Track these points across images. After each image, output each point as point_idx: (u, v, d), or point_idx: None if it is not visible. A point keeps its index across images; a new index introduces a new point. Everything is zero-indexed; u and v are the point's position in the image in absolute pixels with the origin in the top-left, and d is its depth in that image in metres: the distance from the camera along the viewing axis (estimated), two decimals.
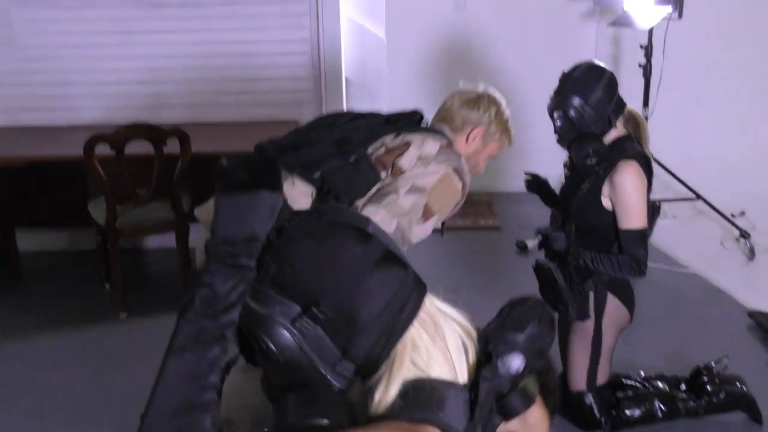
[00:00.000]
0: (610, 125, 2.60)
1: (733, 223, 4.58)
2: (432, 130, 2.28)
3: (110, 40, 4.38)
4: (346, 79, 4.56)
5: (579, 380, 2.73)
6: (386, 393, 1.07)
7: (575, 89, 2.56)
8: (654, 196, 4.65)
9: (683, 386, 2.87)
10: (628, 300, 2.74)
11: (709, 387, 2.81)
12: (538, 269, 2.74)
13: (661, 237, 4.63)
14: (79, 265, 4.42)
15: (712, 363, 2.88)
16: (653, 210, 2.74)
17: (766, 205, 4.81)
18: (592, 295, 2.67)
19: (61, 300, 4.02)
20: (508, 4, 5.25)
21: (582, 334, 2.72)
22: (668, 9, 4.29)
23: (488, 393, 1.10)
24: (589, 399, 2.72)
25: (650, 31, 4.48)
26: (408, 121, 2.28)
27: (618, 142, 2.61)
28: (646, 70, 4.53)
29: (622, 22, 4.50)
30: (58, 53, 4.41)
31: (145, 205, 3.80)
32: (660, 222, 4.81)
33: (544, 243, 2.74)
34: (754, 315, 3.61)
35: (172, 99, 4.46)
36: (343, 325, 1.07)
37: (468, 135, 2.33)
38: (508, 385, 1.87)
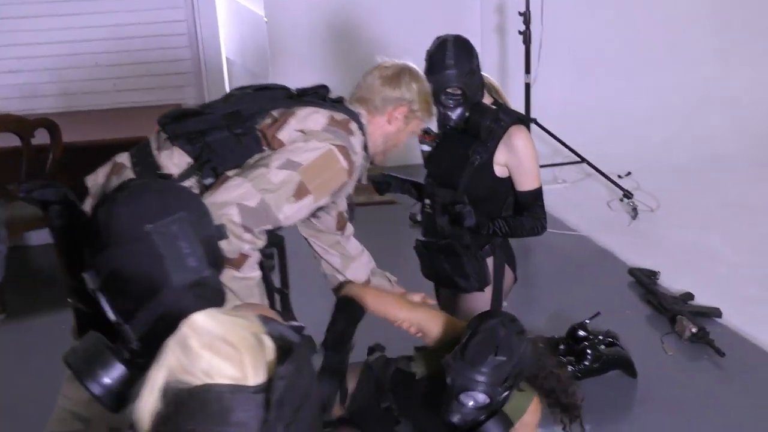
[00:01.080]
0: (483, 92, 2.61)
1: (616, 184, 4.71)
2: (334, 105, 2.17)
3: None
4: (228, 60, 4.46)
5: None
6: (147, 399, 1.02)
7: (457, 62, 2.53)
8: (543, 161, 4.79)
9: (562, 347, 2.93)
10: (512, 262, 2.76)
11: (588, 352, 2.87)
12: (425, 246, 2.71)
13: (552, 201, 4.67)
14: None
15: (587, 320, 2.96)
16: None
17: (649, 164, 4.96)
18: (490, 261, 2.67)
19: None
20: None
21: (480, 303, 2.64)
22: None
23: (286, 391, 1.04)
24: None
25: None
26: (313, 96, 2.18)
27: (496, 108, 2.60)
28: (526, 37, 4.59)
29: None
30: None
31: (16, 201, 3.65)
32: (550, 186, 4.93)
33: (455, 220, 2.68)
34: (633, 272, 3.72)
35: (43, 88, 4.29)
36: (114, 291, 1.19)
37: (389, 114, 2.25)
38: (482, 415, 1.91)
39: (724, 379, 2.98)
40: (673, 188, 4.74)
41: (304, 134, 2.02)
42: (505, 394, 1.98)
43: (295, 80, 5.40)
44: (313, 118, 2.06)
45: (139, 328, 1.16)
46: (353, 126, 2.13)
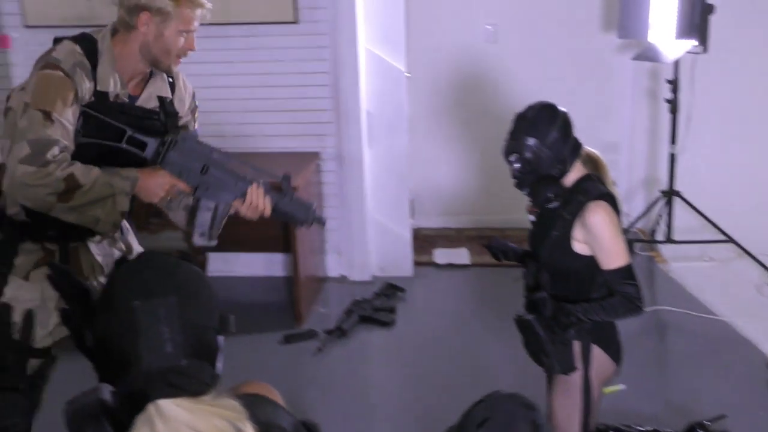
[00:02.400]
0: (568, 166, 2.51)
1: (766, 268, 4.35)
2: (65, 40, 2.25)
3: None
4: (367, 112, 4.55)
5: None
6: None
7: (530, 130, 2.47)
8: (692, 237, 4.52)
9: None
10: (613, 350, 2.59)
11: None
12: (520, 322, 2.63)
13: (696, 280, 4.47)
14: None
15: (707, 422, 2.72)
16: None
17: None
18: (577, 345, 2.54)
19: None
20: (538, 37, 5.19)
21: (567, 388, 2.55)
22: (692, 42, 4.13)
23: None
24: None
25: (676, 65, 4.32)
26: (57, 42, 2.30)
27: (579, 183, 2.51)
28: (673, 105, 4.37)
29: (646, 55, 4.36)
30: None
31: (158, 234, 3.87)
32: (696, 264, 4.65)
33: (532, 307, 2.61)
34: None
35: (197, 129, 4.54)
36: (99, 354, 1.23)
37: (137, 24, 2.22)
38: None
39: None
40: None
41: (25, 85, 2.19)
42: None
43: (432, 135, 5.50)
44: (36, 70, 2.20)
45: (118, 397, 1.16)
46: (60, 46, 2.21)
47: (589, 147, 2.59)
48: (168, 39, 2.26)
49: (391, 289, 4.50)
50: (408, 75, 4.60)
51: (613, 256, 2.43)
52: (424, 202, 5.45)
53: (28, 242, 2.27)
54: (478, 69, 5.30)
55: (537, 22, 5.18)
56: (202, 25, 4.37)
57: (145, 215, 3.71)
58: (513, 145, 2.51)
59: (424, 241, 5.24)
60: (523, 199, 2.55)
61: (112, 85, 2.24)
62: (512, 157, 2.51)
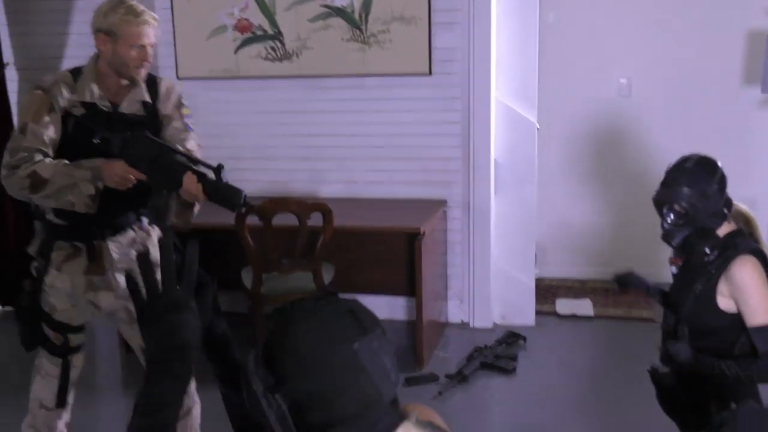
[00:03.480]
0: (723, 220, 2.46)
1: None
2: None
3: (279, 119, 4.78)
4: (496, 162, 4.62)
5: None
6: None
7: (690, 182, 2.43)
8: None
9: None
10: None
11: None
12: (654, 375, 2.61)
13: None
14: (235, 326, 4.70)
15: None
16: None
17: None
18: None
19: None
20: (674, 90, 5.12)
21: None
22: None
23: None
24: None
25: None
26: None
27: (729, 237, 2.45)
28: None
29: None
30: (233, 131, 4.87)
31: (289, 274, 4.05)
32: None
33: (666, 358, 2.57)
34: None
35: (329, 175, 4.76)
36: (310, 412, 1.19)
37: (97, 45, 2.68)
38: None
39: None
40: None
41: None
42: None
43: (561, 186, 5.45)
44: None
45: None
46: (56, 74, 2.76)
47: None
48: (121, 54, 2.67)
49: (512, 337, 4.50)
50: (539, 127, 4.64)
51: (759, 312, 2.37)
52: (549, 251, 5.43)
53: (61, 241, 2.77)
54: (610, 122, 5.27)
55: (672, 76, 5.11)
56: (339, 76, 4.63)
57: (277, 257, 3.93)
58: (668, 195, 2.47)
59: (546, 290, 5.21)
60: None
61: (89, 95, 2.70)
62: (667, 208, 2.48)
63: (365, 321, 1.24)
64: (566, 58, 5.24)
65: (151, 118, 2.81)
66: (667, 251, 2.59)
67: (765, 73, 4.40)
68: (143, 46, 2.68)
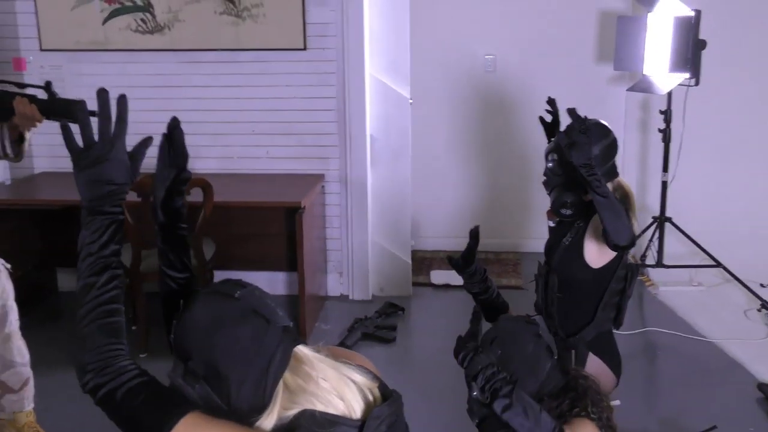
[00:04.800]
0: None
1: (754, 293, 4.52)
2: None
3: (150, 94, 4.65)
4: (371, 136, 4.70)
5: None
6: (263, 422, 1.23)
7: (575, 137, 2.53)
8: (680, 262, 4.70)
9: None
10: (614, 363, 2.72)
11: None
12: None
13: (685, 304, 4.62)
14: None
15: None
16: (631, 270, 2.71)
17: None
18: (573, 354, 2.68)
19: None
20: (536, 67, 5.39)
21: None
22: (685, 75, 4.34)
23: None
24: None
25: (669, 97, 4.53)
26: None
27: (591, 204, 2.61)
28: (666, 135, 4.57)
29: (641, 87, 4.56)
30: None
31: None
32: (685, 288, 4.81)
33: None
34: (763, 387, 3.55)
35: (206, 150, 4.68)
36: (215, 380, 1.27)
37: None
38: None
39: None
40: None
41: None
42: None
43: (433, 160, 5.61)
44: None
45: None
46: None
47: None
48: None
49: (391, 308, 4.63)
50: (411, 101, 4.76)
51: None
52: (421, 224, 5.61)
53: None
54: (477, 96, 5.49)
55: (533, 54, 5.37)
56: (215, 50, 4.55)
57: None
58: (556, 146, 2.64)
59: (420, 262, 5.38)
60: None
61: None
62: (550, 157, 2.67)
63: (241, 282, 1.40)
64: (435, 36, 5.40)
65: None
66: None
67: (617, 52, 4.72)
68: None
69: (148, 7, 4.55)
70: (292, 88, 4.64)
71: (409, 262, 4.91)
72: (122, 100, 1.39)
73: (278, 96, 4.65)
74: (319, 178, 4.68)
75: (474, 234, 2.46)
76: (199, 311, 1.32)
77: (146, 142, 1.46)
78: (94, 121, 1.39)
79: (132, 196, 3.78)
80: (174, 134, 1.54)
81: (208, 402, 1.26)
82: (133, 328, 4.23)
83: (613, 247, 2.49)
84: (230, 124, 4.69)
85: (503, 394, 1.84)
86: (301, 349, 1.31)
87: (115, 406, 1.27)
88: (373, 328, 4.37)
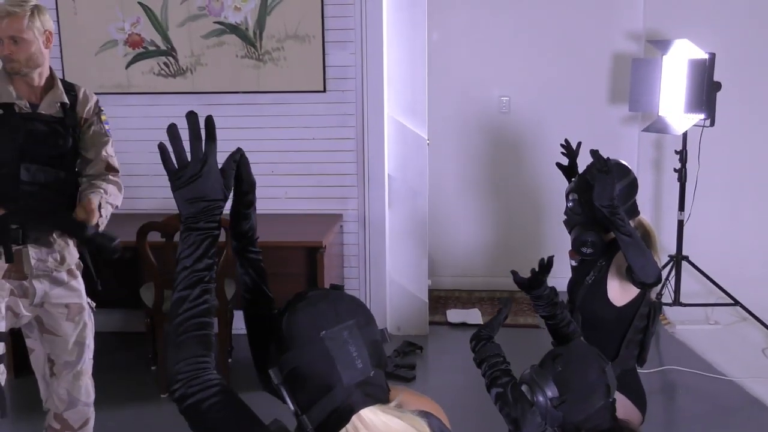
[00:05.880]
0: None
1: None
2: None
3: None
4: (389, 176, 4.75)
5: None
6: None
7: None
8: (697, 300, 4.72)
9: None
10: (639, 401, 2.72)
11: None
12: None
13: (703, 342, 4.62)
14: (131, 346, 4.64)
15: None
16: (654, 308, 2.73)
17: None
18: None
19: (110, 378, 4.16)
20: (550, 107, 5.45)
21: None
22: (700, 116, 4.40)
23: None
24: None
25: (684, 137, 4.58)
26: None
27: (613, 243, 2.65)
28: (681, 175, 4.61)
29: (656, 128, 4.62)
30: (124, 147, 4.72)
31: None
32: (702, 327, 4.82)
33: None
34: None
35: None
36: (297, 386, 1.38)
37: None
38: None
39: None
40: None
41: None
42: None
43: (449, 201, 5.64)
44: None
45: (315, 419, 1.34)
46: None
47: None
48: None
49: (409, 347, 4.64)
50: (429, 142, 4.82)
51: None
52: (437, 263, 5.63)
53: None
54: (492, 136, 5.55)
55: (547, 94, 5.44)
56: (236, 92, 4.62)
57: None
58: (574, 185, 2.68)
59: (437, 301, 5.40)
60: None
61: (5, 97, 2.73)
62: (571, 196, 2.70)
63: (342, 312, 1.40)
64: (452, 76, 5.47)
65: (69, 120, 2.84)
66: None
67: (632, 93, 4.79)
68: (1, 39, 2.69)
69: (171, 51, 4.64)
70: (311, 130, 4.70)
71: (426, 300, 4.93)
72: (210, 120, 1.46)
73: (298, 137, 4.71)
74: (338, 217, 4.73)
75: (545, 265, 2.46)
76: (297, 323, 1.38)
77: (234, 155, 1.53)
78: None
79: (154, 236, 3.82)
80: (241, 162, 1.60)
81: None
82: (153, 368, 4.25)
83: (640, 285, 2.52)
84: (250, 165, 4.73)
85: (500, 383, 2.01)
86: (367, 415, 1.34)
87: (199, 418, 1.35)
88: (392, 366, 4.38)
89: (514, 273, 2.50)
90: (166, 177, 1.48)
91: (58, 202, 2.78)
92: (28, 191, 2.71)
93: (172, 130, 1.44)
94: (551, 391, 2.01)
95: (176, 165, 1.45)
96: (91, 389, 3.02)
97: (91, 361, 3.02)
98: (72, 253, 2.89)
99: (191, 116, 1.43)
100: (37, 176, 2.73)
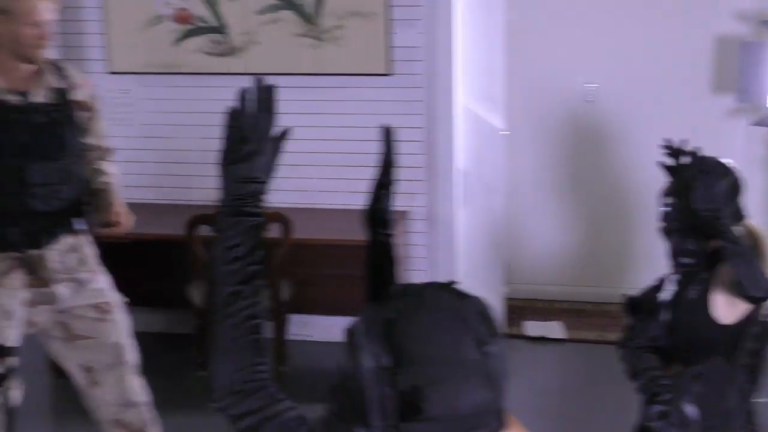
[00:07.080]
0: None
1: None
2: None
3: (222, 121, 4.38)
4: (461, 171, 4.36)
5: None
6: None
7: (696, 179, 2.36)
8: None
9: None
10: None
11: None
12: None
13: None
14: (176, 349, 4.36)
15: None
16: (766, 329, 2.41)
17: None
18: None
19: (152, 384, 3.93)
20: (642, 97, 4.95)
21: None
22: None
23: None
24: None
25: None
26: None
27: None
28: None
29: (766, 122, 4.15)
30: (173, 132, 4.46)
31: None
32: None
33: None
34: None
35: (282, 182, 4.35)
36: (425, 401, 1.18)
37: None
38: None
39: None
40: None
41: None
42: None
43: (529, 196, 5.23)
44: None
45: None
46: None
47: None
48: (17, 32, 2.50)
49: None
50: (506, 133, 4.39)
51: None
52: (513, 269, 5.18)
53: None
54: (576, 129, 5.11)
55: (639, 83, 4.95)
56: (290, 74, 4.29)
57: None
58: (673, 190, 2.44)
59: (512, 311, 4.95)
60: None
61: None
62: (667, 200, 2.47)
63: (494, 324, 1.25)
64: (530, 61, 5.02)
65: (62, 105, 2.69)
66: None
67: (741, 83, 4.31)
68: (40, 23, 2.51)
69: (221, 29, 4.31)
70: (374, 117, 4.29)
71: (501, 309, 4.56)
72: (271, 92, 1.38)
73: (359, 125, 4.31)
74: (402, 215, 4.31)
75: None
76: (446, 331, 1.21)
77: (284, 135, 1.41)
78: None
79: (203, 230, 3.53)
80: (388, 140, 1.57)
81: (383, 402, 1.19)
82: (200, 373, 3.91)
83: (748, 300, 2.29)
84: (307, 154, 4.36)
85: (662, 400, 2.07)
86: None
87: None
88: None
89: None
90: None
91: (72, 199, 2.69)
92: (39, 193, 2.60)
93: (264, 89, 1.36)
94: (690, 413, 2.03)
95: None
96: (143, 389, 2.90)
97: (136, 361, 2.90)
98: (91, 250, 2.79)
99: (261, 85, 1.35)
100: (49, 174, 2.62)
